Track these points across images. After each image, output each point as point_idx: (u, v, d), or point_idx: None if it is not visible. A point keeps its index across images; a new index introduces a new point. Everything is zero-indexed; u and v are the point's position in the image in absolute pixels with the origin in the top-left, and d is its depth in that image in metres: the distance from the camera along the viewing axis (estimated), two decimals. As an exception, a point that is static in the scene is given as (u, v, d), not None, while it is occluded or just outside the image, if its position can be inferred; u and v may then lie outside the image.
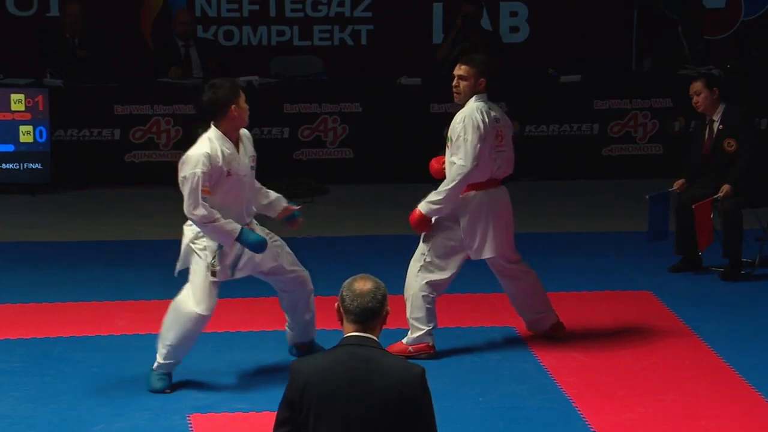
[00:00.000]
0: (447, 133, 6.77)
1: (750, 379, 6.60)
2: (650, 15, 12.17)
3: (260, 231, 6.49)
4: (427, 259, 6.79)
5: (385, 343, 6.76)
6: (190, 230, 6.46)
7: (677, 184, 8.43)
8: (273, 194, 6.67)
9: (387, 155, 10.76)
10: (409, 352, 6.78)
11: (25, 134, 10.38)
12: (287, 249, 6.60)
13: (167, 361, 6.39)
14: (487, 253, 6.80)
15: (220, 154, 6.32)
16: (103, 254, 8.90)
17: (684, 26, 11.46)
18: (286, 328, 6.79)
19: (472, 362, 6.82)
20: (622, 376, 6.63)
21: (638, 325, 7.41)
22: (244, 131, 6.51)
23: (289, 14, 12.03)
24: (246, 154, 6.43)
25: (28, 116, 10.37)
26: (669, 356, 6.93)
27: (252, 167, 6.46)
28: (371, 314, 3.93)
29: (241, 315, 7.44)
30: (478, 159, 6.64)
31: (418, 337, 6.81)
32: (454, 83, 6.77)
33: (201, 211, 6.23)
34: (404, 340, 6.84)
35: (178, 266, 6.52)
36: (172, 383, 6.43)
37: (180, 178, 6.37)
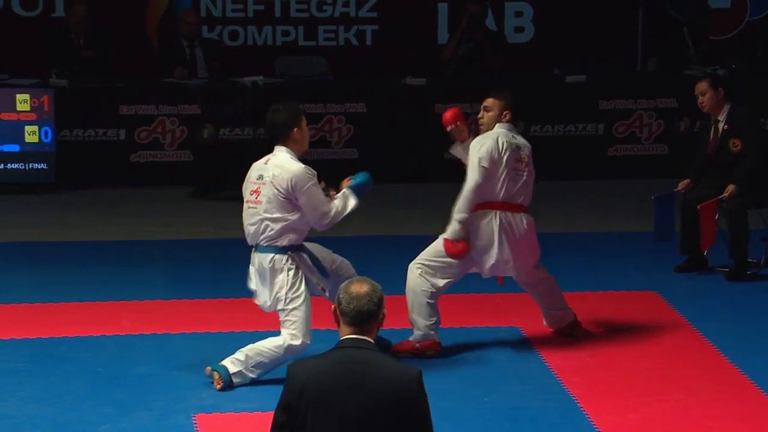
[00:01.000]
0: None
1: (755, 379, 6.59)
2: (655, 15, 12.16)
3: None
4: (430, 263, 6.80)
5: (394, 342, 6.85)
6: (266, 257, 6.40)
7: (682, 185, 8.42)
8: None
9: (392, 155, 10.76)
10: (417, 349, 6.79)
11: (31, 134, 10.39)
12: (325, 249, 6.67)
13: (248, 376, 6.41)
14: (498, 273, 6.91)
15: None
16: (108, 254, 8.90)
17: (689, 26, 11.46)
18: None
19: (476, 362, 6.81)
20: (626, 376, 6.63)
21: (643, 325, 7.40)
22: None
23: (294, 14, 12.04)
24: None
25: (33, 116, 10.38)
26: (674, 356, 6.92)
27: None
28: (367, 317, 3.95)
29: (247, 314, 7.44)
30: (486, 177, 6.69)
31: (423, 334, 6.83)
32: (480, 115, 6.91)
33: (331, 210, 6.40)
34: (411, 338, 6.85)
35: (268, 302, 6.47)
36: (177, 383, 6.44)
37: (307, 187, 6.35)
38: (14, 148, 10.41)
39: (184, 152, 10.78)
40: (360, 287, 3.97)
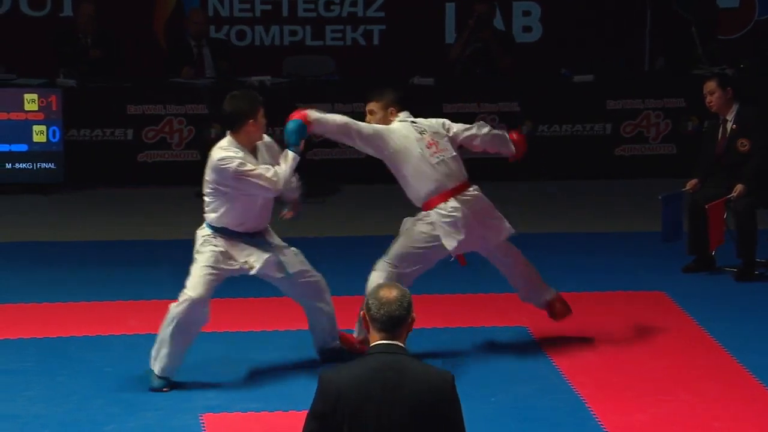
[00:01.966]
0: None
1: (763, 380, 6.57)
2: (663, 14, 12.14)
3: (276, 239, 6.53)
4: (395, 270, 6.69)
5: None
6: (201, 232, 6.50)
7: (690, 184, 8.41)
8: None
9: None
10: (360, 344, 6.63)
11: (39, 134, 10.40)
12: (301, 258, 6.60)
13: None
14: (466, 249, 6.73)
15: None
16: (115, 254, 8.91)
17: (697, 26, 11.43)
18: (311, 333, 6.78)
19: (483, 362, 6.81)
20: (634, 377, 6.62)
21: (651, 325, 7.39)
22: (265, 138, 6.52)
23: (301, 14, 12.03)
24: (263, 163, 6.43)
25: (41, 116, 10.40)
26: (682, 357, 6.91)
27: None
28: (398, 322, 3.95)
29: (253, 314, 7.44)
30: (413, 177, 6.59)
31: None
32: (367, 120, 6.77)
33: (269, 177, 6.31)
34: (356, 335, 6.77)
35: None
36: (184, 383, 6.44)
37: (233, 175, 6.30)
38: (22, 147, 10.42)
39: (192, 152, 10.77)
40: (389, 292, 3.97)
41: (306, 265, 6.61)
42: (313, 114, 6.56)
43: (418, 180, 6.67)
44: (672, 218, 8.31)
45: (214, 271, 6.41)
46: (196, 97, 10.63)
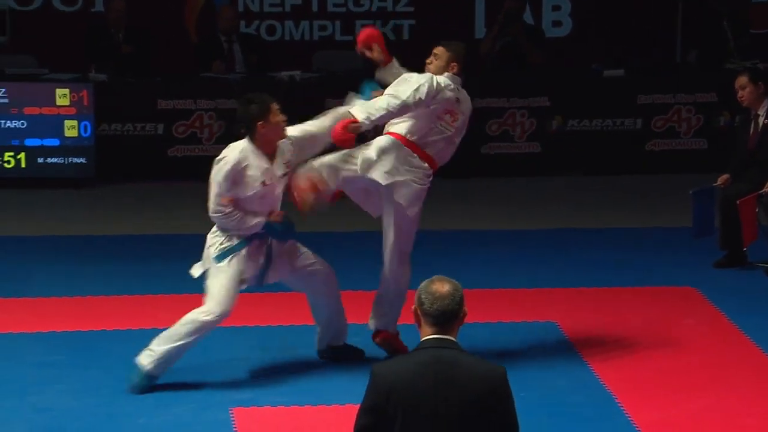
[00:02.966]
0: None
1: (795, 376, 6.54)
2: (695, 8, 12.07)
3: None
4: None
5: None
6: (212, 237, 6.50)
7: (721, 180, 8.37)
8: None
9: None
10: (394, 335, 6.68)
11: (70, 129, 10.46)
12: (304, 249, 6.57)
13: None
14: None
15: (245, 166, 6.36)
16: (146, 248, 8.95)
17: (729, 20, 11.36)
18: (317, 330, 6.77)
19: (513, 357, 6.79)
20: (665, 373, 6.59)
21: (682, 321, 7.35)
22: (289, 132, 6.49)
23: (331, 9, 12.04)
24: (281, 164, 6.41)
25: (72, 111, 10.45)
26: (713, 353, 6.88)
27: (284, 175, 6.42)
28: (451, 316, 3.94)
29: (284, 309, 7.46)
30: (417, 105, 6.53)
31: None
32: (429, 60, 6.85)
33: (213, 205, 6.39)
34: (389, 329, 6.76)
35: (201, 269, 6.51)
36: (215, 377, 6.46)
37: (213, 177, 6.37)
38: (54, 142, 10.48)
39: (222, 147, 10.68)
40: (442, 286, 3.95)
41: (311, 258, 6.58)
42: (360, 113, 6.51)
43: (434, 135, 6.61)
44: (702, 214, 8.27)
45: (240, 286, 6.39)
46: (227, 92, 10.65)
